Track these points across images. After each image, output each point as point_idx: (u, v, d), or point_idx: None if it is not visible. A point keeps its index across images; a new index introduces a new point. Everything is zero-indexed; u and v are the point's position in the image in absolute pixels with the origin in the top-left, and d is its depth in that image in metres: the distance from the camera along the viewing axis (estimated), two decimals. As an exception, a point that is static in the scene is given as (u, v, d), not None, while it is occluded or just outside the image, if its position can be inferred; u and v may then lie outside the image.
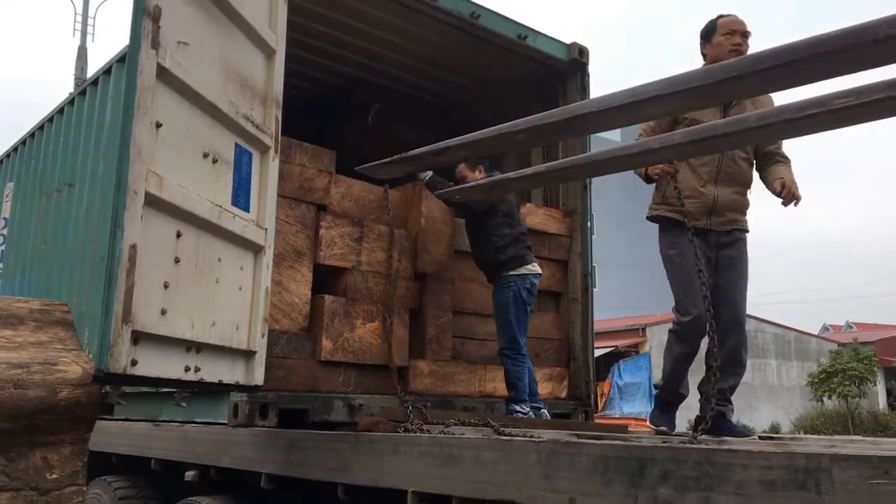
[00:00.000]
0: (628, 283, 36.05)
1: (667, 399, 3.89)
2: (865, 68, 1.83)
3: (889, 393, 28.30)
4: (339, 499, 2.85)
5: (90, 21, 15.68)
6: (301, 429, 3.35)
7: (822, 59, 1.85)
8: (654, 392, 3.92)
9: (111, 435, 4.41)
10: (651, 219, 3.80)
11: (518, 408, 4.16)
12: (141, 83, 2.53)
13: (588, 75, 5.13)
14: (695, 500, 1.76)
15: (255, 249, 3.28)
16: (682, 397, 3.89)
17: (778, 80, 1.99)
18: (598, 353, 19.64)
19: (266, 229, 3.33)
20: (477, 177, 4.34)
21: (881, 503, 1.48)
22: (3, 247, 6.12)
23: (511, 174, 2.93)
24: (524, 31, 4.82)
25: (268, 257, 3.34)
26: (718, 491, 1.72)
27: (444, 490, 2.38)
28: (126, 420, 4.40)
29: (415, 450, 2.53)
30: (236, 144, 3.19)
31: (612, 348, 24.96)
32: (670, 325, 3.77)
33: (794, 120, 2.23)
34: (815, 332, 34.94)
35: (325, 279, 4.01)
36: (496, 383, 4.46)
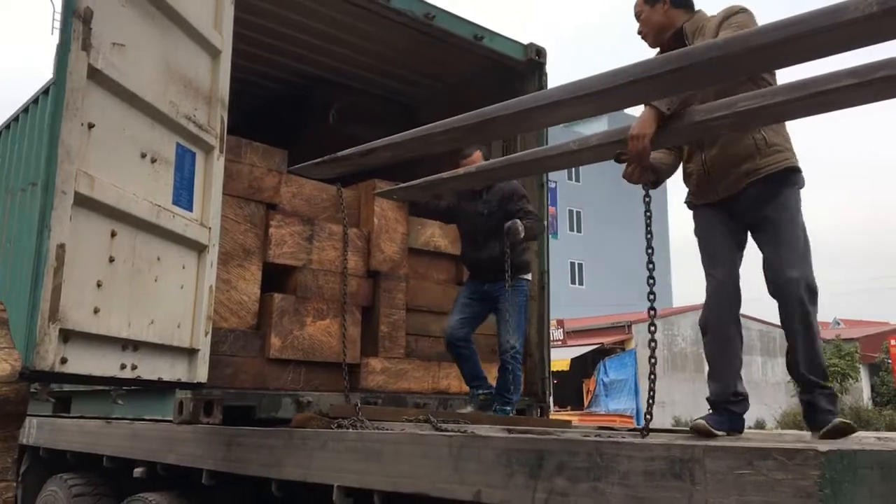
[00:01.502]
0: (615, 281, 36.24)
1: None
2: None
3: (873, 388, 28.54)
4: (274, 494, 2.89)
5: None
6: (247, 426, 3.39)
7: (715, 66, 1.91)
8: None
9: (66, 433, 4.44)
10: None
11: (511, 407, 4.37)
12: (70, 84, 2.56)
13: (546, 75, 5.18)
14: (585, 490, 1.81)
15: (199, 248, 3.31)
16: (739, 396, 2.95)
17: (678, 82, 2.05)
18: (584, 350, 19.59)
19: (210, 228, 3.36)
20: None
21: (746, 490, 1.54)
22: (-29, 245, 6.13)
23: (445, 174, 2.99)
24: (480, 32, 4.87)
25: (212, 256, 3.37)
26: (606, 481, 1.77)
27: (367, 484, 2.43)
28: (81, 418, 4.43)
29: (341, 445, 2.57)
30: (178, 144, 3.22)
31: (598, 345, 25.11)
32: None
33: (704, 121, 2.29)
34: (803, 329, 35.10)
35: (276, 278, 4.05)
36: (450, 380, 4.51)
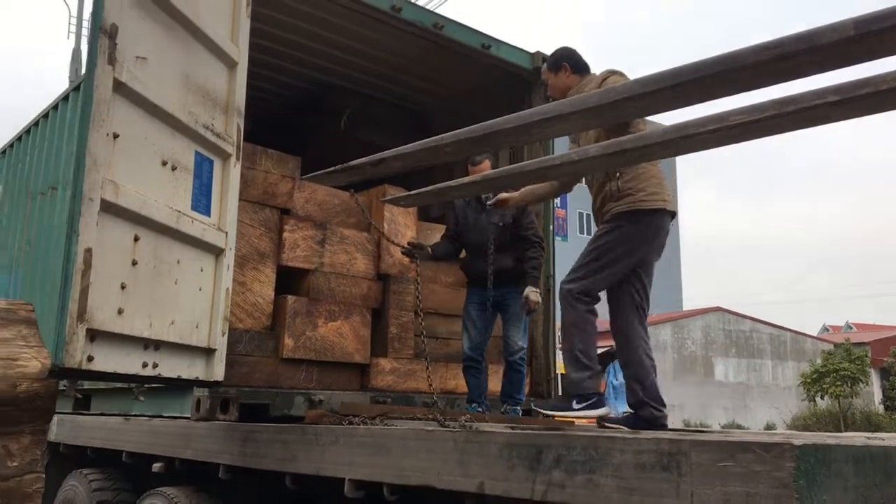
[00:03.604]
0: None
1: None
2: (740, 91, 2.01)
3: (883, 393, 28.44)
4: (288, 487, 3.02)
5: (84, 23, 15.86)
6: (261, 423, 3.53)
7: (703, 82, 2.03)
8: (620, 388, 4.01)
9: (87, 429, 4.60)
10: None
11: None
12: (97, 97, 2.71)
13: (552, 83, 5.29)
14: (581, 481, 1.93)
15: (216, 252, 3.45)
16: None
17: (666, 103, 2.17)
18: (589, 352, 19.52)
19: (227, 232, 3.50)
20: None
21: (728, 480, 1.66)
22: (-8, 246, 6.30)
23: (453, 182, 3.10)
24: (488, 41, 5.00)
25: (228, 259, 3.52)
26: (600, 473, 1.90)
27: (376, 477, 2.56)
28: (101, 415, 4.58)
29: (352, 440, 2.70)
30: (196, 152, 3.36)
31: (607, 348, 25.13)
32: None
33: (694, 136, 2.40)
34: (816, 333, 35.10)
35: (289, 280, 4.19)
36: (457, 380, 4.63)
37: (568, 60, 3.68)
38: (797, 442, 1.58)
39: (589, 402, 3.26)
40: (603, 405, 3.38)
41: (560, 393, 3.67)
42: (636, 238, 3.31)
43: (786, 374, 28.08)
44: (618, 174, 3.29)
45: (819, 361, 24.25)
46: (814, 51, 1.85)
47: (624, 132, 3.03)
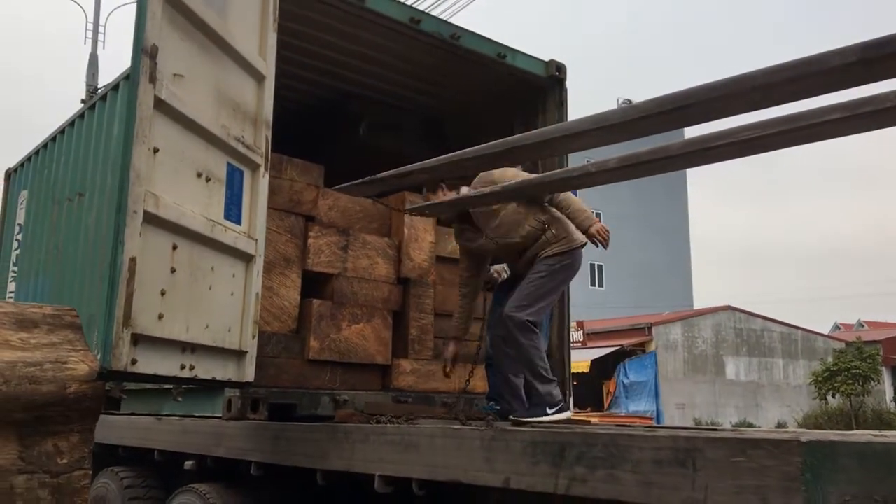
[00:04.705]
0: (635, 283, 36.30)
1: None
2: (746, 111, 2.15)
3: (895, 391, 28.38)
4: (318, 483, 3.18)
5: (101, 29, 16.09)
6: (288, 422, 3.68)
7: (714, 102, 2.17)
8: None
9: (118, 429, 4.76)
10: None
11: None
12: (140, 114, 2.86)
13: (566, 90, 5.43)
14: (602, 476, 2.07)
15: (246, 259, 3.61)
16: None
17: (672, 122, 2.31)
18: (604, 352, 19.59)
19: (256, 240, 3.66)
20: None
21: (740, 475, 1.79)
22: (17, 251, 6.48)
23: (470, 194, 3.26)
24: (503, 51, 5.14)
25: (258, 265, 3.67)
26: (620, 469, 2.04)
27: (405, 473, 2.70)
28: (132, 415, 4.75)
29: (381, 438, 2.85)
30: (228, 164, 3.52)
31: (618, 347, 25.21)
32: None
33: (709, 149, 2.54)
34: (828, 331, 35.02)
35: (314, 284, 4.34)
36: (475, 381, 4.76)
37: None
38: (804, 438, 1.71)
39: (558, 408, 3.71)
40: (568, 409, 3.91)
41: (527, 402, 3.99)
42: (570, 271, 4.06)
43: (797, 372, 28.08)
44: (548, 225, 3.95)
45: (830, 360, 24.25)
46: (822, 74, 1.99)
47: (536, 204, 3.88)
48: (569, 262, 4.02)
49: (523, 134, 2.58)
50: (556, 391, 3.77)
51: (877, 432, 3.17)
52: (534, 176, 3.70)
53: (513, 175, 3.80)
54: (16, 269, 6.43)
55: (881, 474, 1.86)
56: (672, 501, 1.91)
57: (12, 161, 7.19)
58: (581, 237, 3.99)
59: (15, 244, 6.55)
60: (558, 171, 2.94)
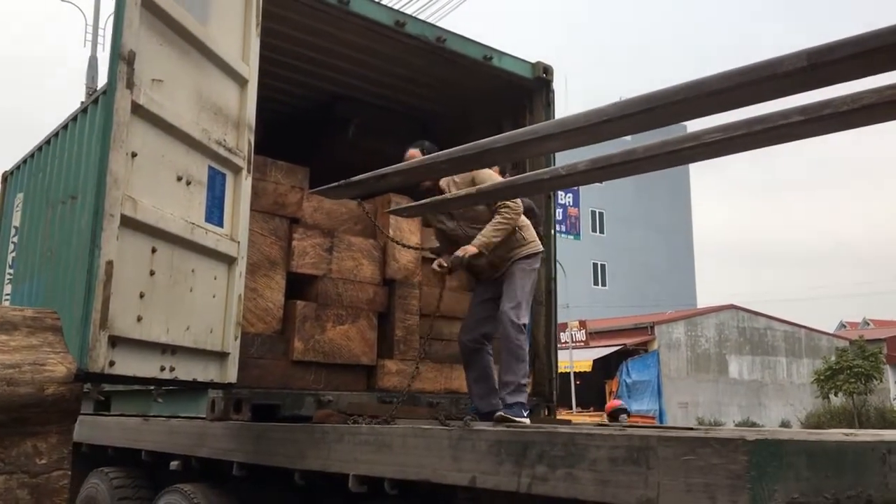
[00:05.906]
0: (638, 282, 36.29)
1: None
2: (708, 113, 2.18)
3: (899, 389, 28.31)
4: (297, 483, 3.22)
5: (100, 31, 16.19)
6: (272, 423, 3.72)
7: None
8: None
9: (107, 430, 4.82)
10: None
11: None
12: (117, 120, 2.90)
13: (553, 92, 5.46)
14: (562, 475, 2.11)
15: (228, 261, 3.64)
16: None
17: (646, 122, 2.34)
18: (606, 351, 19.67)
19: (239, 242, 3.69)
20: None
21: (691, 473, 1.83)
22: (13, 254, 6.53)
23: (453, 194, 3.29)
24: (489, 53, 5.17)
25: (241, 267, 3.71)
26: (578, 467, 2.07)
27: (378, 473, 2.74)
28: (121, 416, 4.80)
29: (356, 438, 2.89)
30: (209, 167, 3.56)
31: (620, 346, 25.24)
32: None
33: (674, 151, 2.58)
34: (833, 329, 34.93)
35: (298, 286, 4.38)
36: (461, 381, 4.79)
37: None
38: (750, 437, 1.74)
39: (529, 412, 4.07)
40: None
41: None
42: (536, 274, 4.32)
43: (800, 371, 28.04)
44: (517, 227, 4.14)
45: (833, 358, 24.21)
46: (774, 78, 2.02)
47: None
48: (537, 265, 4.27)
49: (494, 137, 2.61)
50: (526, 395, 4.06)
51: (848, 431, 3.19)
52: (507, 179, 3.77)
53: (489, 175, 3.87)
54: (11, 271, 6.48)
55: (831, 472, 1.89)
56: (627, 499, 1.94)
57: (12, 161, 7.24)
58: (537, 242, 4.27)
59: (11, 246, 6.60)
60: (529, 173, 2.97)
